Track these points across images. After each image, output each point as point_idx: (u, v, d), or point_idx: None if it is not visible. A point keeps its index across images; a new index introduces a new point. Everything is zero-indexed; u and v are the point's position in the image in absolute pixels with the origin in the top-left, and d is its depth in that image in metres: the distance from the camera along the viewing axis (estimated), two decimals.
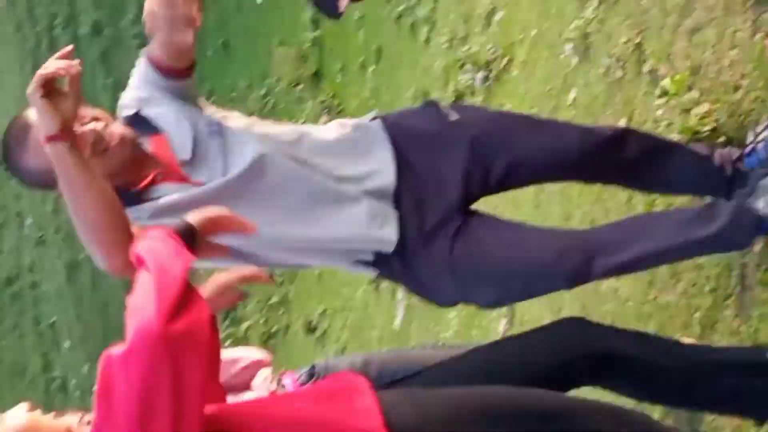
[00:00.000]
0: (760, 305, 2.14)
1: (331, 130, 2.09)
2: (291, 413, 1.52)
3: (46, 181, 1.98)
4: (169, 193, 1.96)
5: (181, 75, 1.94)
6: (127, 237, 1.79)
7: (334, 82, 5.86)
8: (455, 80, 4.12)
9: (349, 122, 2.11)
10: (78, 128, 1.86)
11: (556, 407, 1.55)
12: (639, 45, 2.69)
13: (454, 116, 2.08)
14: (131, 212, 1.92)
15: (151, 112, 1.94)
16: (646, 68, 2.62)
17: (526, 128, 2.18)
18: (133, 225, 1.87)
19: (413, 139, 2.04)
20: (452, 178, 2.04)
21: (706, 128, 2.31)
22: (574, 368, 1.85)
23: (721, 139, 2.25)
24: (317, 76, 5.94)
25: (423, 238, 2.02)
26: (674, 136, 2.38)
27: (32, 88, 1.76)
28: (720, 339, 2.27)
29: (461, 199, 2.04)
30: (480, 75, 3.81)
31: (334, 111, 5.55)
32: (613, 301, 2.69)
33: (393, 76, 5.34)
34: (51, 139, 1.77)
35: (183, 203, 1.89)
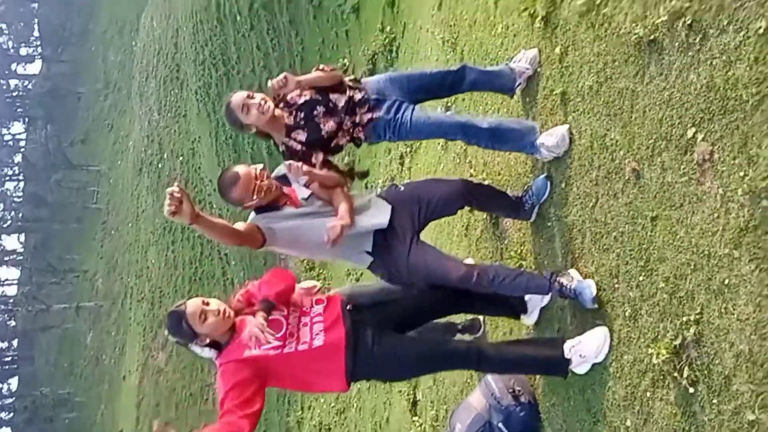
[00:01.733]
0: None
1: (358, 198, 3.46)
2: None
3: (239, 204, 3.30)
4: (289, 211, 3.36)
5: None
6: (234, 238, 3.11)
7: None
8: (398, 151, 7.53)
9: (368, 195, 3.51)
10: (260, 183, 3.25)
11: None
12: (465, 150, 5.52)
13: (401, 187, 3.57)
14: (270, 216, 3.27)
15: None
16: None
17: (434, 183, 3.66)
18: (261, 221, 3.27)
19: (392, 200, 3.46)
20: (410, 213, 3.44)
21: None
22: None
23: None
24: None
25: (398, 241, 3.36)
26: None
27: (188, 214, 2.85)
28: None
29: (415, 225, 3.45)
30: (408, 151, 7.18)
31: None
32: None
33: None
34: (194, 221, 2.89)
35: (295, 212, 3.32)
